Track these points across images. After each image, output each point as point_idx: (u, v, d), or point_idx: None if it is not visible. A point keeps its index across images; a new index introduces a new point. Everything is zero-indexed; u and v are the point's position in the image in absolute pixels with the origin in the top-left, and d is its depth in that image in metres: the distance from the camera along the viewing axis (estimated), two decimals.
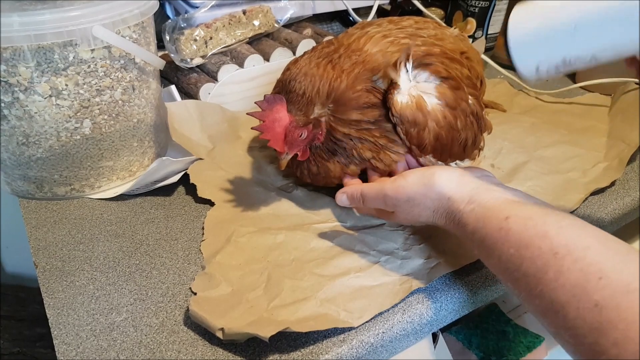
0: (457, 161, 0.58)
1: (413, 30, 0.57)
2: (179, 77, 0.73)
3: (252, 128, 0.53)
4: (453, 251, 0.53)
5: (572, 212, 0.58)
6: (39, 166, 0.57)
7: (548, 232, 0.37)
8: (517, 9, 0.39)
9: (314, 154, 0.55)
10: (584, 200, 0.59)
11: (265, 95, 0.52)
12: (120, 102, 0.57)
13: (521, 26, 0.38)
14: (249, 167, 0.65)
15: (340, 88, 0.52)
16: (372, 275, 0.50)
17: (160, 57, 0.61)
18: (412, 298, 0.48)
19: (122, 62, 0.56)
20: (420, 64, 0.52)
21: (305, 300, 0.46)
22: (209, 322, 0.43)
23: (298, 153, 0.54)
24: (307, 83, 0.52)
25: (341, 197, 0.52)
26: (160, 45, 0.69)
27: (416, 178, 0.47)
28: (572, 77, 0.93)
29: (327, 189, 0.61)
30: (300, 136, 0.53)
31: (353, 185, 0.53)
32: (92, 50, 0.53)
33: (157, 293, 0.48)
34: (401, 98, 0.51)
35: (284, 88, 0.54)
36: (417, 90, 0.51)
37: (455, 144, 0.55)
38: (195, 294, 0.47)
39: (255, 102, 0.52)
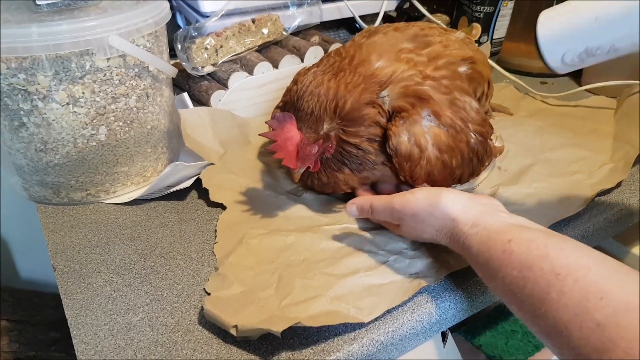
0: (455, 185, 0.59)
1: (419, 38, 0.59)
2: (191, 85, 0.75)
3: (265, 149, 0.54)
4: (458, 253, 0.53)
5: (578, 212, 0.59)
6: (56, 172, 0.59)
7: (549, 253, 0.38)
8: (545, 10, 0.45)
9: (324, 165, 0.57)
10: (590, 201, 0.60)
11: (274, 115, 0.54)
12: (134, 109, 0.59)
13: (548, 21, 0.44)
14: (259, 171, 0.66)
15: (347, 107, 0.54)
16: (381, 274, 0.51)
17: (172, 65, 0.63)
18: (421, 297, 0.49)
19: (136, 70, 0.58)
20: (421, 99, 0.54)
21: (316, 298, 0.47)
22: (222, 320, 0.44)
23: (310, 165, 0.56)
24: (314, 102, 0.54)
25: (351, 208, 0.54)
26: (172, 54, 0.71)
27: (423, 196, 0.49)
28: (578, 80, 0.94)
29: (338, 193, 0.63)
30: (312, 151, 0.54)
31: (363, 197, 0.54)
32: (108, 59, 0.54)
33: (172, 294, 0.49)
34: (400, 132, 0.53)
35: (293, 105, 0.56)
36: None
37: (448, 179, 0.57)
38: (209, 294, 0.48)
39: (265, 122, 0.54)
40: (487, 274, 0.43)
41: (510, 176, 0.66)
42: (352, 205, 0.54)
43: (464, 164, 0.57)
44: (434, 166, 0.55)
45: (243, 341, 0.44)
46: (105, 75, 0.55)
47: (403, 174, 0.55)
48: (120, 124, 0.58)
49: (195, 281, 0.51)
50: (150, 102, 0.61)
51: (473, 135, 0.56)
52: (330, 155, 0.56)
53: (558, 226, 0.57)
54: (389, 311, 0.47)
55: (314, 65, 0.60)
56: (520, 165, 0.68)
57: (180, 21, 0.84)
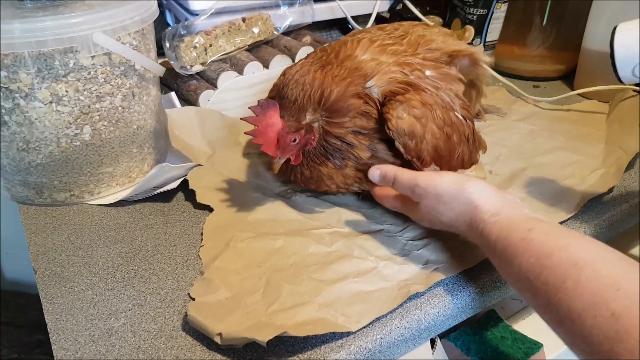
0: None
1: (400, 34, 0.59)
2: (179, 84, 0.74)
3: (245, 133, 0.53)
4: (451, 257, 0.53)
5: (569, 219, 0.58)
6: (38, 172, 0.57)
7: (569, 245, 0.39)
8: (619, 32, 0.50)
9: (307, 158, 0.56)
10: (581, 207, 0.59)
11: (259, 101, 0.53)
12: (120, 108, 0.58)
13: (625, 34, 0.50)
14: (248, 173, 0.65)
15: (332, 97, 0.53)
16: (370, 281, 0.50)
17: (160, 64, 0.62)
18: (410, 303, 0.48)
19: (122, 68, 0.56)
20: (410, 85, 0.54)
21: (304, 304, 0.46)
22: (206, 327, 0.43)
23: (291, 157, 0.55)
24: (298, 90, 0.53)
25: (374, 172, 0.54)
26: (160, 53, 0.70)
27: (450, 179, 0.49)
28: (570, 84, 0.93)
29: (327, 195, 0.62)
30: (293, 141, 0.53)
31: (389, 166, 0.54)
32: (93, 57, 0.53)
33: (156, 299, 0.48)
34: (398, 113, 0.52)
35: (278, 94, 0.55)
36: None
37: (453, 156, 0.56)
38: (193, 299, 0.47)
39: (249, 107, 0.53)
40: (503, 261, 0.44)
41: (502, 180, 0.65)
42: (377, 170, 0.54)
43: (462, 142, 0.57)
44: (439, 139, 0.54)
45: (227, 349, 0.43)
46: (89, 73, 0.54)
47: (409, 154, 0.54)
48: (105, 123, 0.57)
49: (179, 286, 0.50)
50: (137, 101, 0.59)
51: (462, 117, 0.57)
52: (313, 148, 0.55)
53: None
54: (377, 317, 0.46)
55: (301, 59, 0.60)
56: (512, 169, 0.67)
57: (169, 20, 0.83)
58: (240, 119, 0.54)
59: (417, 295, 0.49)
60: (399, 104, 0.53)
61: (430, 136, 0.54)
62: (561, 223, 0.57)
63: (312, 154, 0.56)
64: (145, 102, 0.61)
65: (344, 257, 0.53)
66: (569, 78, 0.94)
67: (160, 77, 0.77)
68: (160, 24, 0.78)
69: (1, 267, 1.09)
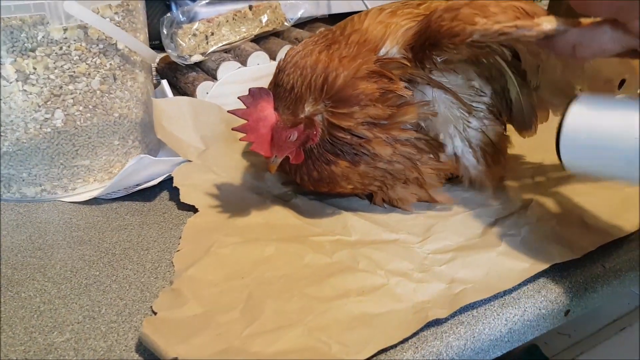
0: None
1: (419, 2, 0.49)
2: (178, 77, 0.67)
3: (233, 129, 0.45)
4: (485, 275, 0.43)
5: (632, 234, 0.47)
6: (5, 162, 0.50)
7: None
8: (573, 115, 0.38)
9: (312, 156, 0.47)
10: None
11: (250, 89, 0.45)
12: (98, 92, 0.51)
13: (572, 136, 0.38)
14: (245, 172, 0.57)
15: (337, 83, 0.44)
16: (378, 300, 0.40)
17: (161, 58, 0.55)
18: (427, 332, 0.38)
19: (100, 46, 0.49)
20: None
21: (289, 327, 0.37)
22: (160, 349, 0.34)
23: (290, 156, 0.46)
24: (296, 76, 0.45)
25: None
26: (162, 46, 0.64)
27: None
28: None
29: (333, 198, 0.52)
30: (289, 138, 0.45)
31: None
32: (65, 29, 0.47)
33: (112, 311, 0.39)
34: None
35: (274, 80, 0.47)
36: None
37: None
38: (155, 313, 0.38)
39: (238, 98, 0.45)
40: None
41: (547, 188, 0.55)
42: None
43: None
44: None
45: None
46: (61, 48, 0.47)
47: None
48: (80, 108, 0.50)
49: (142, 296, 0.41)
50: (119, 85, 0.52)
51: None
52: (316, 144, 0.46)
53: (605, 250, 0.45)
54: (384, 348, 0.36)
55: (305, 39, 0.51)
56: (559, 174, 0.57)
57: (175, 11, 0.77)
58: (228, 111, 0.46)
59: (437, 322, 0.39)
60: (440, 16, 0.41)
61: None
62: (622, 239, 0.46)
63: (318, 151, 0.47)
64: (130, 88, 0.54)
65: (347, 269, 0.43)
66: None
67: (157, 69, 0.71)
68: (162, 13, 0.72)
69: None
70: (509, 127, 0.55)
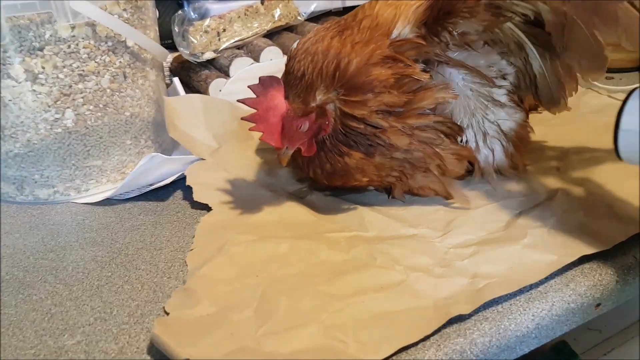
0: None
1: None
2: (191, 76, 0.66)
3: (242, 119, 0.44)
4: (509, 269, 0.41)
5: None
6: (17, 164, 0.50)
7: None
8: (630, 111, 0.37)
9: (324, 148, 0.45)
10: None
11: (260, 78, 0.43)
12: (108, 90, 0.50)
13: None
14: (258, 170, 0.55)
15: (350, 70, 0.42)
16: (397, 297, 0.38)
17: (174, 58, 0.54)
18: (450, 329, 0.37)
19: (109, 44, 0.49)
20: None
21: (304, 325, 0.35)
22: (172, 350, 0.33)
23: (302, 147, 0.45)
24: (307, 62, 0.43)
25: None
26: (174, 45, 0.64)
27: None
28: None
29: (349, 194, 0.51)
30: (300, 128, 0.43)
31: None
32: (73, 27, 0.46)
33: (124, 312, 0.39)
34: None
35: (285, 68, 0.46)
36: None
37: None
38: (168, 314, 0.37)
39: (248, 86, 0.44)
40: None
41: (573, 177, 0.52)
42: None
43: None
44: None
45: None
46: (69, 47, 0.47)
47: None
48: (91, 107, 0.50)
49: (155, 297, 0.40)
50: (129, 84, 0.52)
51: None
52: (329, 135, 0.44)
53: (636, 241, 0.43)
54: (404, 346, 0.34)
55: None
56: (585, 164, 0.54)
57: (187, 8, 0.76)
58: (237, 101, 0.44)
59: (460, 318, 0.37)
60: None
61: None
62: None
63: (330, 142, 0.45)
64: (141, 86, 0.53)
65: (364, 266, 0.41)
66: None
67: (170, 68, 0.70)
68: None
69: None
70: (534, 116, 0.52)
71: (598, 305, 0.42)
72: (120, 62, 0.50)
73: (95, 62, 0.48)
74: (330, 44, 0.44)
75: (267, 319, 0.36)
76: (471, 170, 0.51)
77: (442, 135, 0.46)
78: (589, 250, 0.42)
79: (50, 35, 0.45)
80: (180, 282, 0.42)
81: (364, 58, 0.43)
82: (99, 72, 0.49)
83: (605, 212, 0.46)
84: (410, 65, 0.43)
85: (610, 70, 0.83)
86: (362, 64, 0.43)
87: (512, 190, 0.50)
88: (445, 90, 0.44)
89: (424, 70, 0.44)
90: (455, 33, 0.42)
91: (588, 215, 0.46)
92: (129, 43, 0.50)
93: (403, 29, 0.43)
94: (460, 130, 0.47)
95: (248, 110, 0.44)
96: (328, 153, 0.45)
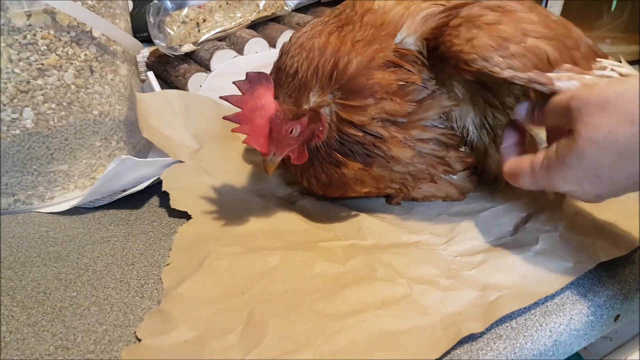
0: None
1: None
2: (168, 71, 0.61)
3: (224, 118, 0.39)
4: (522, 279, 0.37)
5: None
6: None
7: None
8: None
9: (318, 156, 0.41)
10: None
11: (248, 73, 0.39)
12: (72, 87, 0.45)
13: None
14: (245, 174, 0.51)
15: (349, 71, 0.38)
16: (400, 314, 0.35)
17: (151, 52, 0.49)
18: (460, 349, 0.33)
19: (72, 34, 0.44)
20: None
21: (297, 352, 0.31)
22: None
23: (291, 154, 0.40)
24: (301, 58, 0.39)
25: (521, 107, 0.37)
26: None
27: (621, 80, 0.32)
28: None
29: (345, 199, 0.46)
30: (291, 132, 0.39)
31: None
32: (28, 15, 0.41)
33: (89, 339, 0.34)
34: (465, 35, 0.35)
35: (275, 65, 0.41)
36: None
37: (579, 45, 0.38)
38: (140, 340, 0.32)
39: (233, 83, 0.39)
40: None
41: None
42: (522, 104, 0.37)
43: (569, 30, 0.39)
44: (547, 27, 0.36)
45: None
46: (25, 37, 0.41)
47: (523, 74, 0.35)
48: (53, 106, 0.44)
49: (126, 320, 0.35)
50: (97, 79, 0.47)
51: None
52: (323, 142, 0.40)
53: None
54: None
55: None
56: None
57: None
58: (220, 97, 0.40)
59: (471, 338, 0.34)
60: (458, 27, 0.36)
61: (531, 27, 0.36)
62: None
63: (326, 151, 0.41)
64: (111, 81, 0.48)
65: (363, 279, 0.37)
66: None
67: (147, 63, 0.65)
68: None
69: None
70: None
71: (617, 316, 0.39)
72: (85, 54, 0.45)
73: (57, 54, 0.43)
74: (329, 40, 0.39)
75: (255, 345, 0.32)
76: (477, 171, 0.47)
77: (447, 146, 0.42)
78: (606, 256, 0.39)
79: (3, 24, 0.40)
80: (154, 302, 0.37)
81: (365, 59, 0.38)
82: (61, 66, 0.44)
83: (620, 213, 0.43)
84: (414, 73, 0.38)
85: None
86: (363, 66, 0.38)
87: (517, 190, 0.46)
88: (449, 98, 0.40)
89: (430, 77, 0.39)
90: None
91: (601, 216, 0.43)
92: (96, 34, 0.45)
93: (407, 36, 0.39)
94: (461, 140, 0.43)
95: (232, 109, 0.40)
96: (323, 162, 0.41)
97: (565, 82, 0.35)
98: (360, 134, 0.39)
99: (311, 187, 0.44)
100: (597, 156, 0.30)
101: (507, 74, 0.34)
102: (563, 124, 0.33)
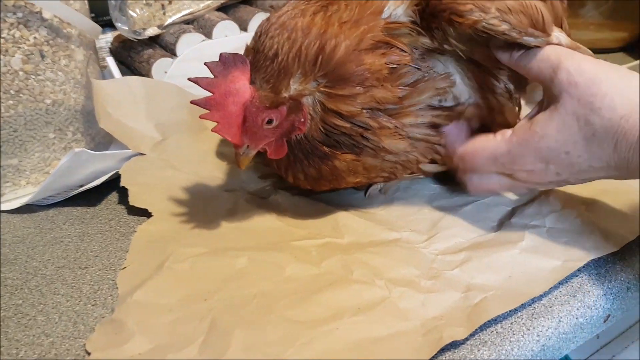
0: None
1: None
2: (132, 56, 0.57)
3: (191, 102, 0.35)
4: (508, 279, 0.35)
5: None
6: None
7: None
8: None
9: (302, 149, 0.38)
10: None
11: (221, 54, 0.35)
12: (21, 73, 0.41)
13: None
14: (214, 167, 0.47)
15: (337, 55, 0.35)
16: (378, 320, 0.32)
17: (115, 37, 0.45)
18: (442, 356, 0.31)
19: (19, 15, 0.40)
20: None
21: None
22: None
23: (267, 148, 0.37)
24: (282, 39, 0.35)
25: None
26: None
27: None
28: (635, 55, 0.78)
29: (320, 194, 0.43)
30: (268, 122, 0.35)
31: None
32: None
33: (33, 353, 0.31)
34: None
35: (253, 46, 0.37)
36: None
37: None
38: (89, 354, 0.29)
39: (204, 64, 0.35)
40: None
41: None
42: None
43: None
44: None
45: None
46: None
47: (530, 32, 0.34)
48: None
49: (75, 331, 0.32)
50: (49, 65, 0.43)
51: None
52: (304, 135, 0.37)
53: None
54: None
55: None
56: None
57: None
58: (188, 79, 0.36)
59: (454, 345, 0.32)
60: None
61: None
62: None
63: (309, 143, 0.38)
64: (65, 67, 0.44)
65: (339, 281, 0.35)
66: (633, 50, 0.79)
67: (111, 49, 0.62)
68: None
69: None
70: None
71: (607, 317, 0.37)
72: (35, 38, 0.41)
73: (2, 38, 0.39)
74: (313, 20, 0.36)
75: (216, 357, 0.29)
76: None
77: (440, 128, 0.39)
78: (596, 253, 0.37)
79: None
80: (108, 310, 0.34)
81: (353, 41, 0.35)
82: (7, 51, 0.40)
83: (610, 205, 0.41)
84: (407, 53, 0.35)
85: (594, 51, 0.79)
86: (351, 49, 0.35)
87: None
88: (444, 79, 0.38)
89: (422, 56, 0.37)
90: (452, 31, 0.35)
91: (591, 210, 0.41)
92: (46, 15, 0.41)
93: (395, 8, 0.36)
94: (458, 115, 0.40)
95: (202, 93, 0.36)
96: (309, 156, 0.38)
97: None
98: (348, 125, 0.36)
99: (297, 183, 0.41)
100: (574, 130, 0.32)
101: (502, 27, 0.34)
102: (540, 80, 0.35)
